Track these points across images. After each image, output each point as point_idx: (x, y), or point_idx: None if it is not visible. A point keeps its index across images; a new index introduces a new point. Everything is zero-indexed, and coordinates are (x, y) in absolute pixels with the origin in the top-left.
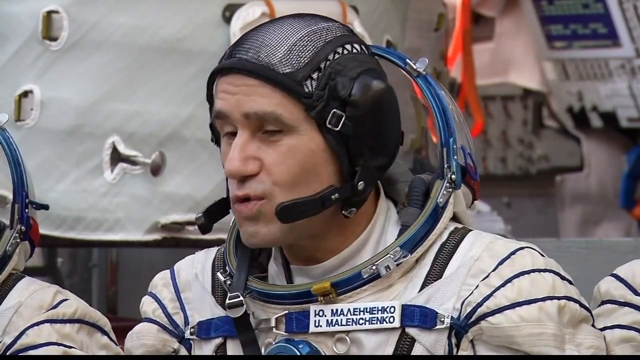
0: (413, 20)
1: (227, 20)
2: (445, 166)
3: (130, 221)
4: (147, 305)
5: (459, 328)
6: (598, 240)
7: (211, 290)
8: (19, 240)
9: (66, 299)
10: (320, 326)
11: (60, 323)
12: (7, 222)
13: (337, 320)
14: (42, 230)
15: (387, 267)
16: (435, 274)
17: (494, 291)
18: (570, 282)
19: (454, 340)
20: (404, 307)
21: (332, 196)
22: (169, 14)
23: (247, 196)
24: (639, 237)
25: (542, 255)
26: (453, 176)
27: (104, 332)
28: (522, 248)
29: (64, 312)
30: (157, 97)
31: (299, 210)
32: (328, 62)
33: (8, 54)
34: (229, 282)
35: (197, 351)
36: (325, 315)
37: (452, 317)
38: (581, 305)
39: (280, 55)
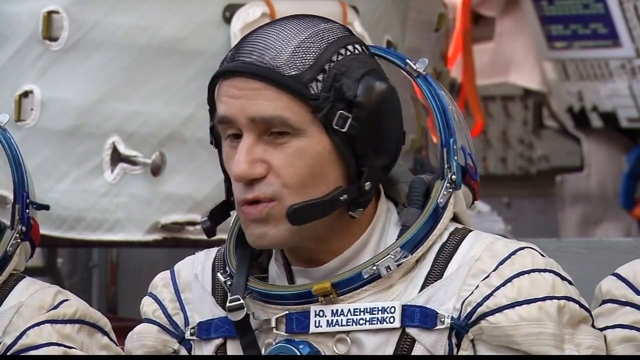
0: (413, 20)
1: (227, 20)
2: (446, 166)
3: (130, 221)
4: (147, 306)
5: (459, 328)
6: (598, 240)
7: (211, 290)
8: (19, 240)
9: (67, 300)
10: (321, 326)
11: (60, 323)
12: (8, 223)
13: (337, 321)
14: (43, 231)
15: (388, 268)
16: (435, 274)
17: (494, 291)
18: (570, 283)
19: (454, 341)
20: (404, 308)
21: (341, 197)
22: (169, 14)
23: (256, 199)
24: (639, 237)
25: (543, 256)
26: (453, 176)
27: (105, 333)
28: (522, 248)
29: (64, 312)
30: (157, 97)
31: (309, 212)
32: (332, 64)
33: (8, 54)
34: (229, 283)
35: (197, 352)
36: (326, 316)
37: (452, 317)
38: (581, 305)
39: (285, 58)
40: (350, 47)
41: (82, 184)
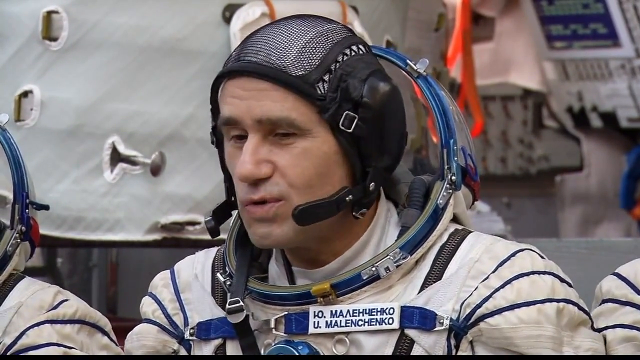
0: (413, 20)
1: (227, 20)
2: (446, 167)
3: (130, 221)
4: (147, 306)
5: (458, 329)
6: (598, 241)
7: (211, 291)
8: (19, 240)
9: (66, 300)
10: (320, 327)
11: (60, 323)
12: (8, 223)
13: (336, 322)
14: (42, 231)
15: (387, 269)
16: (434, 275)
17: (493, 292)
18: (570, 285)
19: (453, 342)
20: (404, 309)
21: (347, 198)
22: (169, 14)
23: (263, 199)
24: (639, 237)
25: (542, 257)
26: (453, 177)
27: (105, 333)
28: (522, 250)
29: (64, 312)
30: (157, 97)
31: (315, 212)
32: (338, 64)
33: (8, 54)
34: (228, 283)
35: (196, 352)
36: (325, 317)
37: (451, 318)
38: (580, 308)
39: (291, 58)
40: (354, 48)
41: (82, 184)
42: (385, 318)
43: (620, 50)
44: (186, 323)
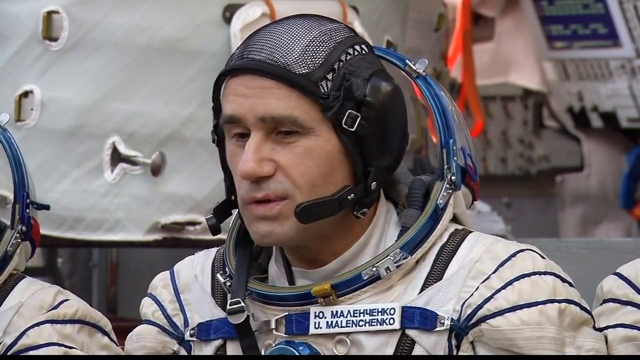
0: (413, 20)
1: (227, 20)
2: (445, 167)
3: (130, 221)
4: (147, 307)
5: (459, 330)
6: (598, 241)
7: (211, 291)
8: (19, 240)
9: (67, 300)
10: (320, 328)
11: (61, 323)
12: (8, 223)
13: (337, 322)
14: (43, 231)
15: (387, 269)
16: (435, 275)
17: (495, 293)
18: (571, 285)
19: (454, 342)
20: (404, 309)
21: (349, 196)
22: (169, 14)
23: (267, 197)
24: (639, 237)
25: (543, 258)
26: (453, 177)
27: (105, 333)
28: (522, 250)
29: (64, 312)
30: (157, 97)
31: (317, 210)
32: (341, 63)
33: (8, 54)
34: (228, 284)
35: (197, 353)
36: (325, 317)
37: (452, 318)
38: (582, 307)
39: (295, 56)
40: (357, 47)
41: (82, 184)
42: (386, 318)
43: (620, 50)
44: (186, 324)
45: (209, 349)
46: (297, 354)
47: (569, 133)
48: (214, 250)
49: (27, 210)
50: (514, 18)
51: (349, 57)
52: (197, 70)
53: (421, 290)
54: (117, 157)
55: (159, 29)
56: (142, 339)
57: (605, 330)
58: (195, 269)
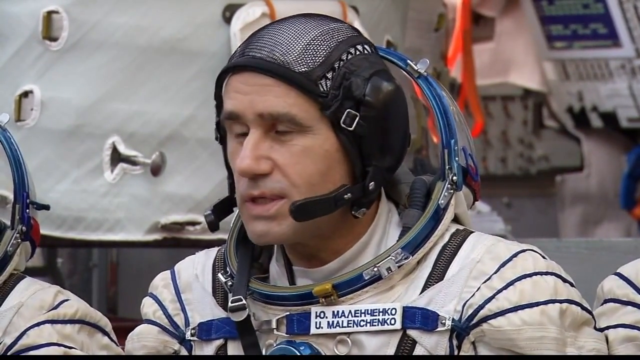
0: (413, 20)
1: (227, 20)
2: (447, 167)
3: (130, 221)
4: (148, 307)
5: (460, 330)
6: (598, 241)
7: (212, 291)
8: (19, 240)
9: (67, 300)
10: (321, 328)
11: (61, 323)
12: (8, 223)
13: (338, 322)
14: (43, 231)
15: (389, 269)
16: (436, 275)
17: (496, 294)
18: (572, 285)
19: (455, 342)
20: (405, 309)
21: (345, 196)
22: (169, 14)
23: (263, 195)
24: (639, 237)
25: (544, 258)
26: (454, 177)
27: (105, 333)
28: (523, 250)
29: (64, 312)
30: (157, 97)
31: (313, 208)
32: (342, 62)
33: (8, 54)
34: (230, 284)
35: (197, 352)
36: (327, 317)
37: (453, 319)
38: (583, 307)
39: (295, 54)
40: (359, 47)
41: (82, 184)
42: (387, 318)
43: (620, 50)
44: (187, 323)
45: (209, 349)
46: (298, 354)
47: (569, 133)
48: (214, 250)
49: (27, 210)
50: (514, 18)
51: (350, 56)
52: (197, 70)
53: (422, 291)
54: (117, 157)
55: (159, 29)
56: (143, 338)
57: (606, 331)
58: (196, 269)
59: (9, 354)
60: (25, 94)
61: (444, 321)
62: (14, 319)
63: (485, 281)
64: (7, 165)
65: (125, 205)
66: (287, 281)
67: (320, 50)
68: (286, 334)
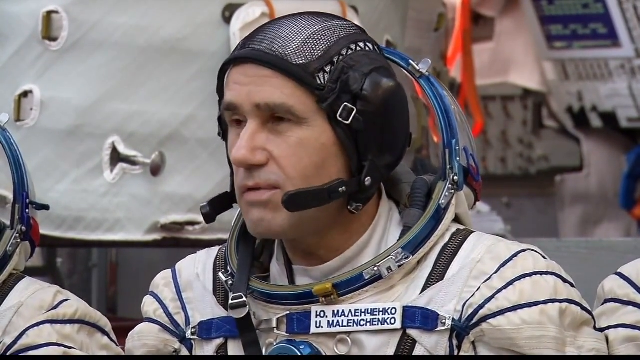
0: (413, 20)
1: (227, 20)
2: (448, 167)
3: (130, 221)
4: (149, 305)
5: (460, 330)
6: (598, 241)
7: (212, 290)
8: (19, 240)
9: (66, 300)
10: (322, 327)
11: (60, 323)
12: (8, 223)
13: (338, 321)
14: (42, 231)
15: (389, 269)
16: (436, 275)
17: (496, 293)
18: (572, 285)
19: (455, 342)
20: (405, 309)
21: (340, 189)
22: (169, 14)
23: (257, 186)
24: (639, 237)
25: (544, 258)
26: (455, 177)
27: (105, 333)
28: (524, 250)
29: (64, 312)
30: (157, 97)
31: (305, 199)
32: (341, 57)
33: (8, 54)
34: (230, 282)
35: (198, 351)
36: (327, 316)
37: (453, 318)
38: (582, 308)
39: (294, 47)
40: (361, 44)
41: (82, 184)
42: (388, 318)
43: (620, 50)
44: (187, 322)
45: (210, 348)
46: (298, 353)
47: (569, 133)
48: (216, 249)
49: (27, 210)
50: (513, 18)
51: (350, 52)
52: (197, 70)
53: (422, 290)
54: (116, 157)
55: (159, 29)
56: (143, 337)
57: (606, 331)
58: (197, 268)
59: (8, 353)
60: (25, 93)
61: (444, 321)
62: (14, 318)
63: (485, 281)
64: (6, 166)
65: (125, 205)
66: (287, 280)
67: (319, 44)
68: (286, 333)
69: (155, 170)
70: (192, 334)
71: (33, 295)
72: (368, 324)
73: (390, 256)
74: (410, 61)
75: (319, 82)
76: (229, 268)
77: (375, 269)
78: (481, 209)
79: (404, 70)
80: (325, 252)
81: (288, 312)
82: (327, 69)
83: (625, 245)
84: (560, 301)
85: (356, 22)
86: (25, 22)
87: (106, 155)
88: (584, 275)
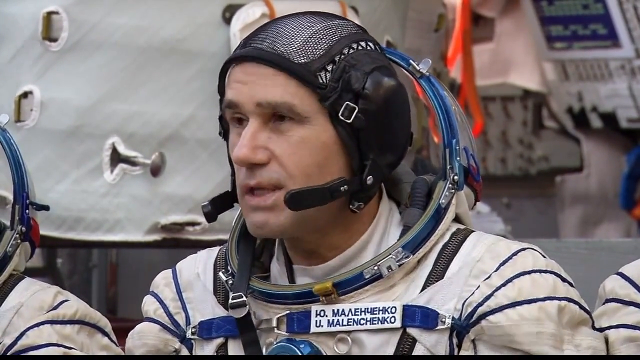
0: (413, 20)
1: (227, 20)
2: (448, 167)
3: (130, 222)
4: (149, 305)
5: (460, 328)
6: (598, 241)
7: (213, 290)
8: (19, 241)
9: (66, 300)
10: (322, 326)
11: (60, 324)
12: (8, 223)
13: (338, 321)
14: (42, 231)
15: (389, 268)
16: (436, 274)
17: (495, 291)
18: (571, 284)
19: (455, 341)
20: (405, 308)
21: (341, 188)
22: (169, 15)
23: (259, 185)
24: (639, 238)
25: (544, 257)
26: (455, 177)
27: (105, 333)
28: (524, 249)
29: (64, 313)
30: (157, 97)
31: (307, 198)
32: (343, 56)
33: (8, 55)
34: (230, 282)
35: (198, 351)
36: (327, 316)
37: (453, 317)
38: (581, 307)
39: (296, 46)
40: (362, 43)
41: (82, 185)
42: (388, 317)
43: (620, 51)
44: (188, 322)
45: (210, 347)
46: (299, 353)
47: (569, 133)
48: (216, 249)
49: (27, 210)
50: (513, 18)
51: (352, 51)
52: (197, 70)
53: (422, 289)
54: (116, 158)
55: (159, 29)
56: (143, 336)
57: (607, 331)
58: (198, 267)
59: (8, 354)
60: (25, 94)
61: (443, 319)
62: (14, 319)
63: (485, 279)
64: (6, 166)
65: (125, 205)
66: (287, 279)
67: (321, 43)
68: (286, 332)
69: (155, 170)
70: (193, 333)
71: (33, 295)
72: (368, 323)
73: (391, 255)
74: (411, 61)
75: (320, 81)
76: (229, 268)
77: (376, 268)
78: (481, 209)
79: (404, 71)
80: (326, 251)
81: (288, 312)
82: (329, 67)
83: (625, 246)
84: (559, 299)
85: (356, 23)
86: (26, 23)
87: (106, 156)
88: (584, 276)
